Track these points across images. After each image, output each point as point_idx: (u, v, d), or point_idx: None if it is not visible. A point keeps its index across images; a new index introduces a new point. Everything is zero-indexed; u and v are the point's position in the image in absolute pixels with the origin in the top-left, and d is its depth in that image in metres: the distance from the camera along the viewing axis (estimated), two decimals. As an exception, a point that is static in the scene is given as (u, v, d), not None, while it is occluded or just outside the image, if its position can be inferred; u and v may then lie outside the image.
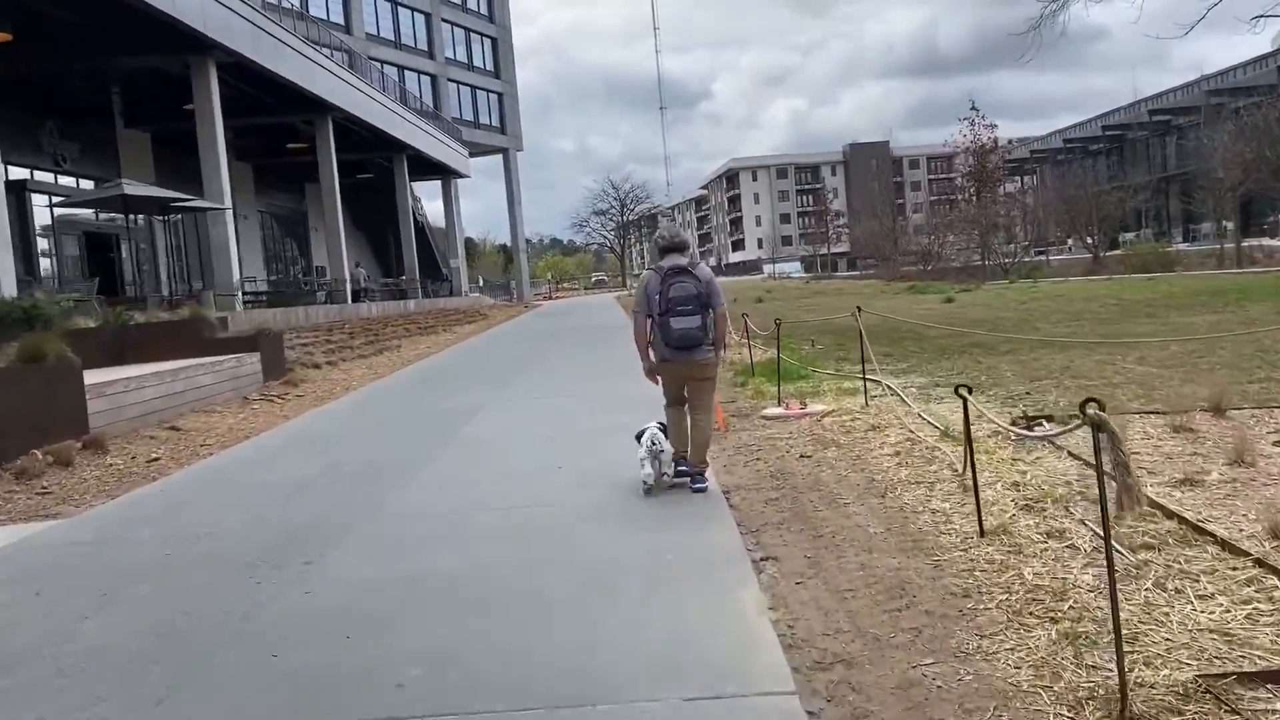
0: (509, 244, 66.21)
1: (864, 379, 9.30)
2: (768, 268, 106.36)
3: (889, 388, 9.47)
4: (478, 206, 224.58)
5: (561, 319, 34.02)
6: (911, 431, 7.24)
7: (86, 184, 23.55)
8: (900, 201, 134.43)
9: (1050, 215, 39.98)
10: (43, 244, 22.57)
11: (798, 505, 5.56)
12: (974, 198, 46.68)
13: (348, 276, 29.12)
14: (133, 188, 19.25)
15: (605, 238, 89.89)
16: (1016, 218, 41.11)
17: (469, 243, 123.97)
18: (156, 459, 8.68)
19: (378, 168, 38.88)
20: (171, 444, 9.49)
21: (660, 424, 6.06)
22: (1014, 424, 6.81)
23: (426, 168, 42.33)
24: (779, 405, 9.07)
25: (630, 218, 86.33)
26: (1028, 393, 8.91)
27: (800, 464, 6.70)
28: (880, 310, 22.43)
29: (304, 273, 41.93)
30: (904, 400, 8.70)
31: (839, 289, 41.20)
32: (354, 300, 30.32)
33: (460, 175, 46.79)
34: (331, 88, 27.08)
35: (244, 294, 23.75)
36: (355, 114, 29.26)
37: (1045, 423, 7.09)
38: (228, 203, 21.13)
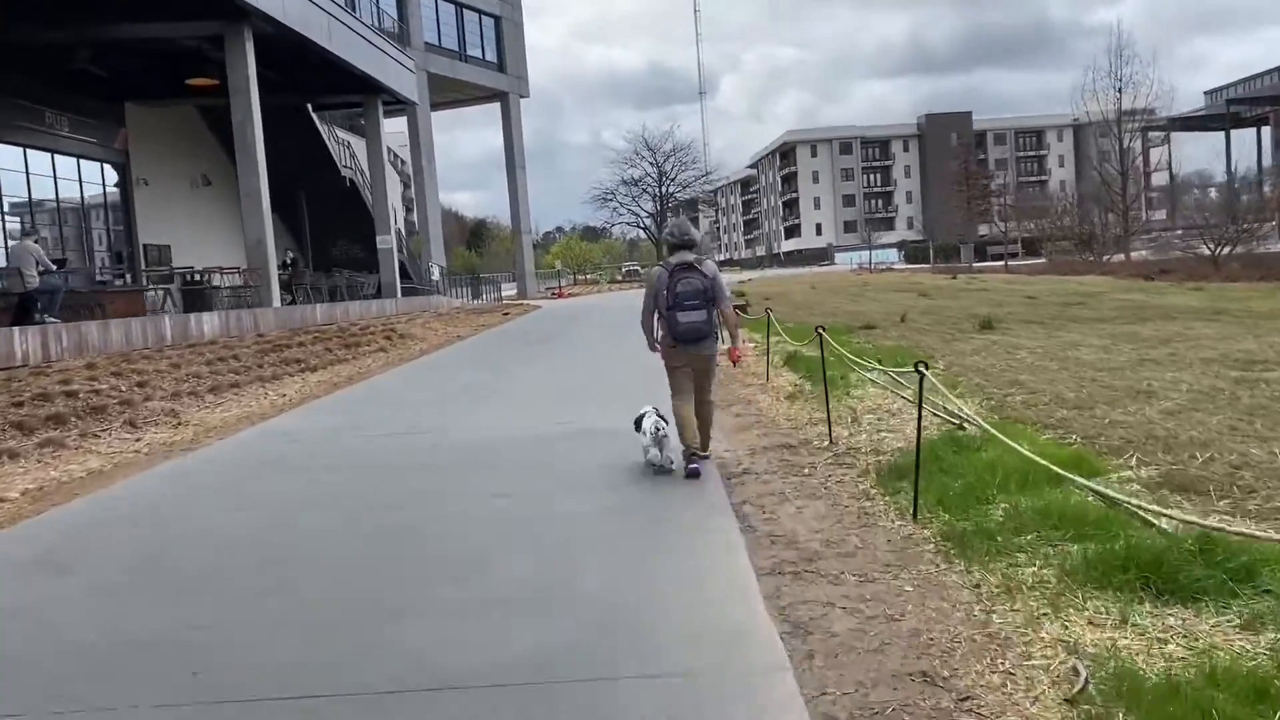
0: (515, 223, 48.32)
1: None
2: (844, 256, 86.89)
3: None
4: (496, 196, 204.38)
5: (538, 351, 15.96)
6: None
7: None
8: (984, 181, 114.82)
9: None
10: None
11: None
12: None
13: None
14: None
15: (636, 215, 66.43)
16: None
17: (479, 227, 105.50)
18: None
19: (220, 67, 21.13)
20: None
21: (655, 409, 6.04)
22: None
23: (328, 79, 24.55)
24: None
25: (670, 188, 63.89)
26: None
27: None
28: None
29: (117, 259, 24.51)
30: None
31: (1096, 293, 20.98)
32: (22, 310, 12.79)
33: (400, 101, 29.01)
34: None
35: None
36: None
37: None
38: None
